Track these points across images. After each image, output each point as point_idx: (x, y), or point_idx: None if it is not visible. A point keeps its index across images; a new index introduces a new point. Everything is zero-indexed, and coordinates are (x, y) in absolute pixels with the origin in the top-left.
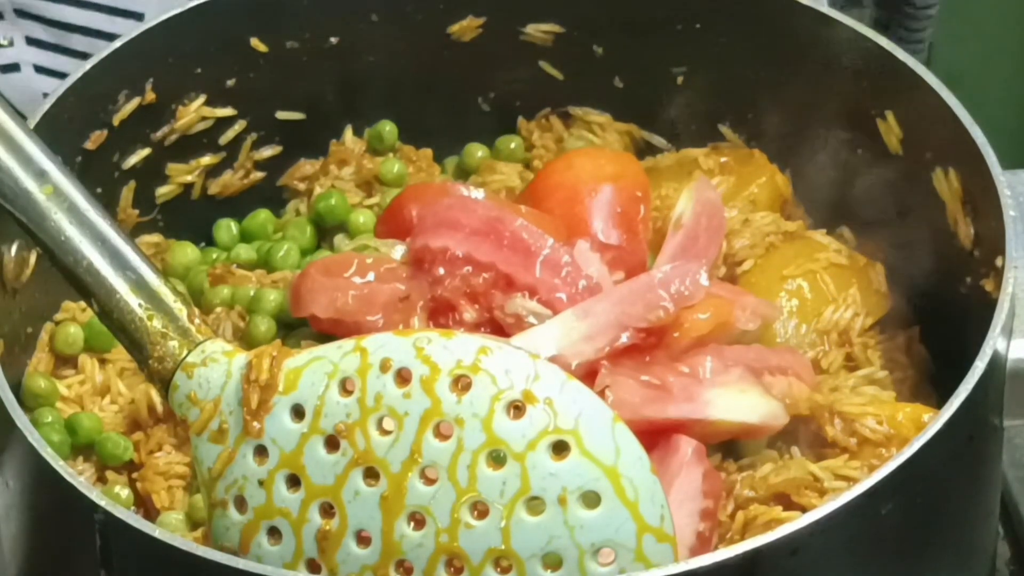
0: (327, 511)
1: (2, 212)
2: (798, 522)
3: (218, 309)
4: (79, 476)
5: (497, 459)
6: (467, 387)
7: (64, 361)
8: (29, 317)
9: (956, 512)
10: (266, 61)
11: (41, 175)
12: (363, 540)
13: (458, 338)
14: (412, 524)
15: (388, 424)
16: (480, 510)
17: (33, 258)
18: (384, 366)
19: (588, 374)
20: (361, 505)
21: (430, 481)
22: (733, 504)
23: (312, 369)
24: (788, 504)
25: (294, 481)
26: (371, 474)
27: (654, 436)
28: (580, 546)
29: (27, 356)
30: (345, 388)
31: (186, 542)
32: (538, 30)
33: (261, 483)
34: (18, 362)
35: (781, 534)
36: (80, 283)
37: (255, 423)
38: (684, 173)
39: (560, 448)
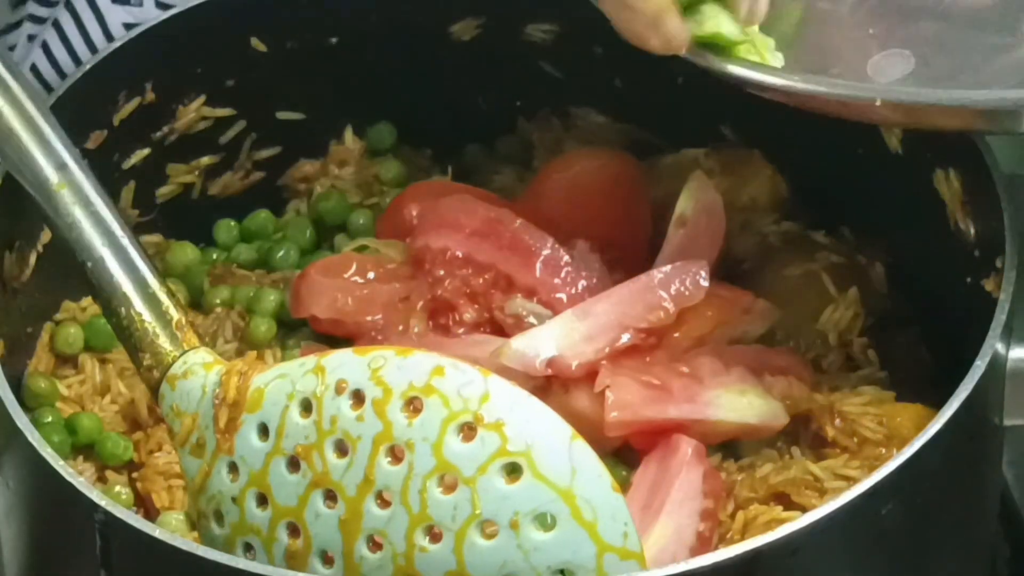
0: (294, 530)
1: (16, 203)
2: (798, 522)
3: (218, 309)
4: (79, 476)
5: (448, 483)
6: (418, 410)
7: (64, 361)
8: (29, 317)
9: (956, 512)
10: (266, 61)
11: (62, 167)
12: (328, 560)
13: (414, 357)
14: (370, 546)
15: (344, 447)
16: (434, 534)
17: (33, 258)
18: (339, 388)
19: (588, 375)
20: (323, 526)
21: (385, 504)
22: (733, 504)
23: (275, 388)
24: (788, 504)
25: (263, 499)
26: (331, 496)
27: (654, 436)
28: (536, 569)
29: (27, 356)
30: (304, 409)
31: (186, 542)
32: (538, 30)
33: (234, 500)
34: (18, 362)
35: (781, 534)
36: (87, 279)
37: (226, 441)
38: (684, 173)
39: (513, 470)
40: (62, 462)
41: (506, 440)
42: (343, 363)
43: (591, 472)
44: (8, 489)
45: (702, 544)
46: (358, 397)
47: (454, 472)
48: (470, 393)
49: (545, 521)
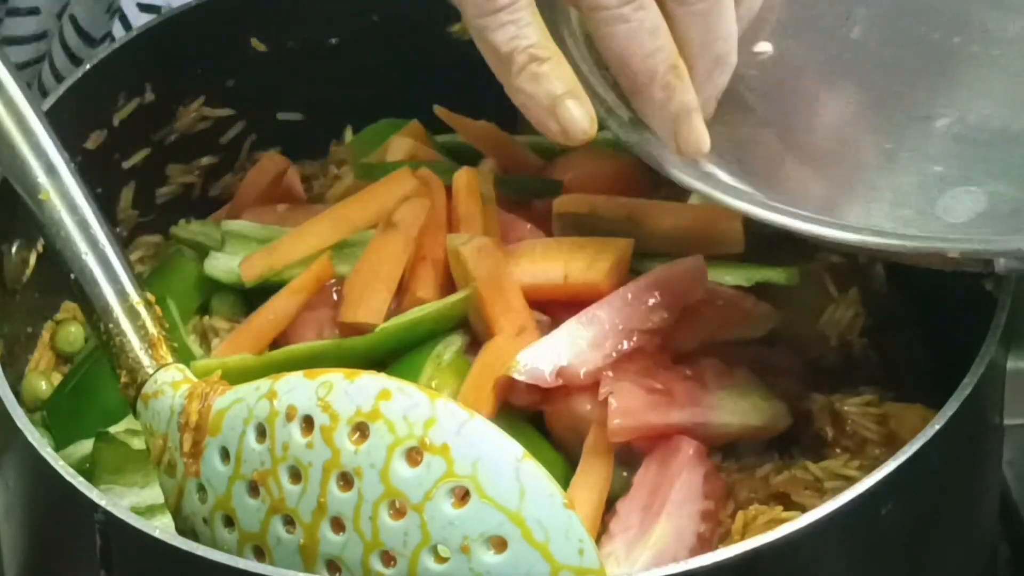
0: (260, 553)
1: (15, 203)
2: (798, 522)
3: None
4: (79, 476)
5: (398, 509)
6: (365, 436)
7: (65, 360)
8: (29, 317)
9: (956, 512)
10: (266, 61)
11: (52, 171)
12: None
13: (360, 380)
14: (329, 571)
15: (297, 473)
16: (388, 559)
17: (33, 258)
18: (290, 414)
19: (597, 382)
20: (284, 551)
21: (340, 530)
22: (733, 504)
23: (233, 412)
24: (788, 504)
25: (230, 522)
26: (289, 521)
27: (655, 438)
28: None
29: (27, 356)
30: (260, 434)
31: (186, 542)
32: None
33: (206, 521)
34: (18, 362)
35: (781, 534)
36: (73, 285)
37: (192, 464)
38: None
39: (462, 494)
40: (62, 462)
41: (452, 464)
42: (293, 388)
43: (541, 492)
44: (8, 489)
45: (702, 545)
46: (308, 423)
47: (402, 498)
48: (416, 417)
49: (496, 544)
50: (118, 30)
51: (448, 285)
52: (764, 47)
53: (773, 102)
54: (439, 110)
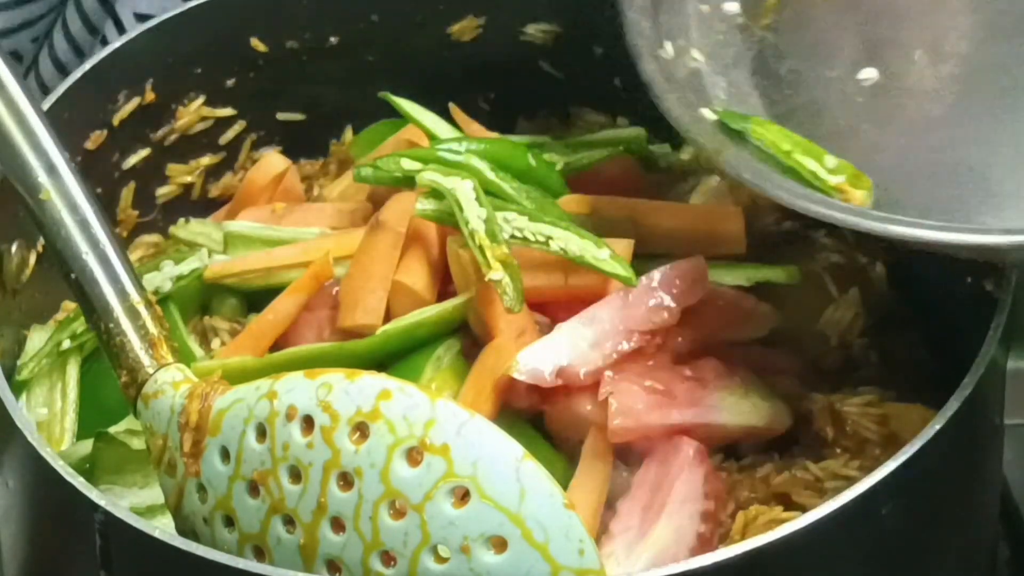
0: (260, 553)
1: (15, 203)
2: (798, 522)
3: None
4: (79, 476)
5: (398, 509)
6: (365, 436)
7: None
8: (29, 317)
9: (956, 512)
10: (266, 61)
11: (52, 171)
12: None
13: (361, 380)
14: (329, 571)
15: (297, 473)
16: (389, 559)
17: (33, 258)
18: (290, 414)
19: (597, 382)
20: (283, 551)
21: (340, 530)
22: (733, 504)
23: (233, 412)
24: (788, 504)
25: (230, 522)
26: (289, 521)
27: (655, 438)
28: None
29: None
30: (260, 434)
31: (186, 542)
32: (538, 30)
33: (206, 521)
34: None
35: (781, 534)
36: (73, 284)
37: (192, 464)
38: (684, 173)
39: (462, 495)
40: (62, 462)
41: (452, 464)
42: (293, 387)
43: (541, 492)
44: (8, 489)
45: (703, 545)
46: (308, 423)
47: (402, 498)
48: (416, 417)
49: (496, 544)
50: (113, 37)
51: (443, 281)
52: (869, 73)
53: (885, 126)
54: (455, 109)
